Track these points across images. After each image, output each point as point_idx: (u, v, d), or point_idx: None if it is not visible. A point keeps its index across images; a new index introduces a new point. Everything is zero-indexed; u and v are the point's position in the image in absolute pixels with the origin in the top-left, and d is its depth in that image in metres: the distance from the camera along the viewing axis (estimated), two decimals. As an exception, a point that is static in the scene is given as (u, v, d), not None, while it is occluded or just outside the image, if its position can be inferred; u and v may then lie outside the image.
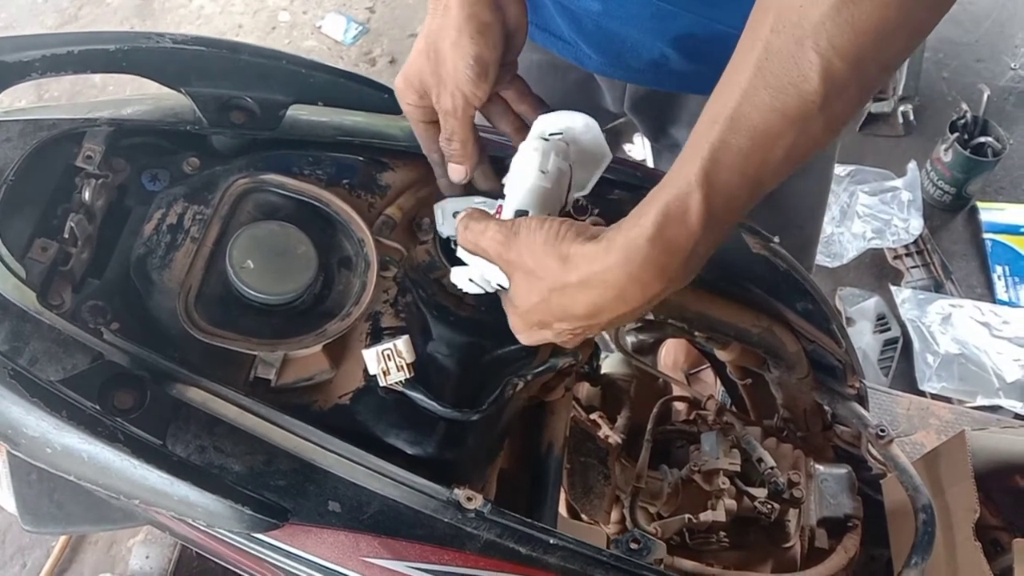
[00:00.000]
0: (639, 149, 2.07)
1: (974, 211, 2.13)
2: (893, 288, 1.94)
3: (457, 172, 0.76)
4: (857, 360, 1.19)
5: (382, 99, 0.86)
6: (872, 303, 1.91)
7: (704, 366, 1.59)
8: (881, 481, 1.28)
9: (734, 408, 1.34)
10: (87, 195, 0.75)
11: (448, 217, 0.79)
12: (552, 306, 0.61)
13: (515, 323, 0.67)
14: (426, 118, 0.76)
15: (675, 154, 1.16)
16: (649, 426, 1.12)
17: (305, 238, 0.76)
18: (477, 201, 0.77)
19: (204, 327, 0.71)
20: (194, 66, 0.81)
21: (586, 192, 0.77)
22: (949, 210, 2.13)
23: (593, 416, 1.12)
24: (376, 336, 0.76)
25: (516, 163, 0.69)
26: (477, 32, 0.69)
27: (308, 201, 0.79)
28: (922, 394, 1.79)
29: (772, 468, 1.10)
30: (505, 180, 0.70)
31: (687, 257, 0.54)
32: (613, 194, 0.89)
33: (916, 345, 1.79)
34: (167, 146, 0.82)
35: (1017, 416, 1.70)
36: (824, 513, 1.16)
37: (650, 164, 1.56)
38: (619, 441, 1.10)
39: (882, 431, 1.16)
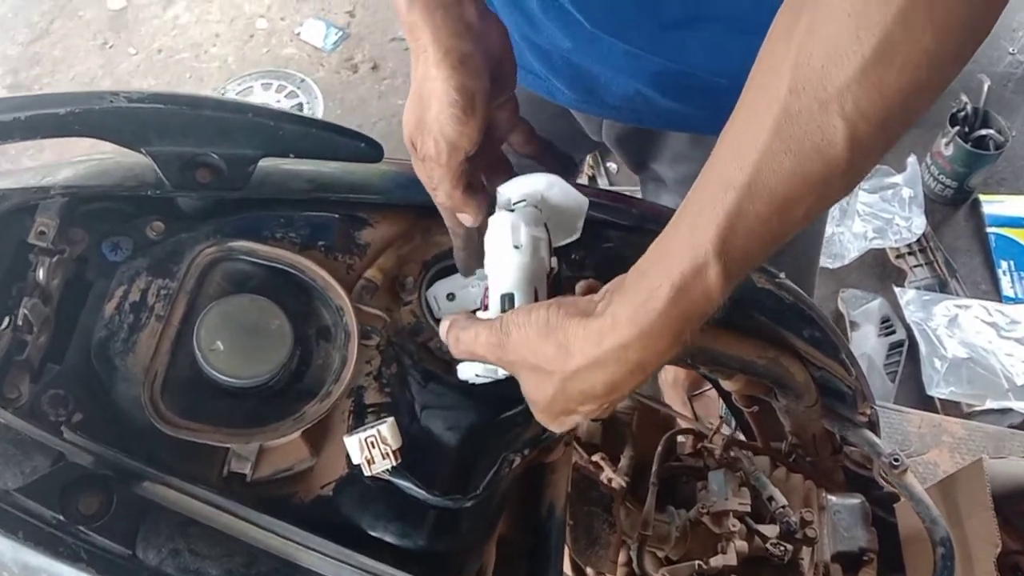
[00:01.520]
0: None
1: (976, 204, 2.08)
2: (897, 289, 1.89)
3: (464, 217, 0.69)
4: (867, 386, 1.14)
5: (358, 148, 0.81)
6: (876, 305, 1.86)
7: (706, 388, 1.54)
8: (895, 504, 1.24)
9: (740, 435, 1.30)
10: (42, 275, 0.69)
11: (443, 300, 0.74)
12: (570, 394, 0.57)
13: (540, 418, 0.63)
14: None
15: (660, 188, 1.11)
16: (654, 467, 1.07)
17: (278, 311, 0.71)
18: (465, 283, 0.71)
19: (172, 419, 0.65)
20: (153, 124, 0.75)
21: (576, 237, 0.73)
22: (951, 204, 2.08)
23: (595, 458, 1.07)
24: (359, 415, 0.70)
25: (489, 242, 0.64)
26: (458, 62, 0.63)
27: (281, 268, 0.74)
28: (930, 399, 1.74)
29: (784, 507, 1.06)
30: (485, 260, 0.65)
31: (703, 319, 0.52)
32: (608, 239, 0.84)
33: (923, 349, 1.74)
34: (129, 211, 0.77)
35: (1028, 419, 1.66)
36: (838, 547, 1.11)
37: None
38: (623, 484, 1.05)
39: (896, 460, 1.12)
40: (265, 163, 0.79)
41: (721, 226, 0.48)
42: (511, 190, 0.66)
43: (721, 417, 1.15)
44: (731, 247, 0.48)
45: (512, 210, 0.65)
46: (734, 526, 1.04)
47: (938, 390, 1.71)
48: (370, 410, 0.71)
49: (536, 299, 0.64)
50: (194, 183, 0.76)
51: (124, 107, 0.74)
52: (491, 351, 0.59)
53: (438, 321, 0.78)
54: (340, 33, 2.64)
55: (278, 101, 2.16)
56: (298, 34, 2.63)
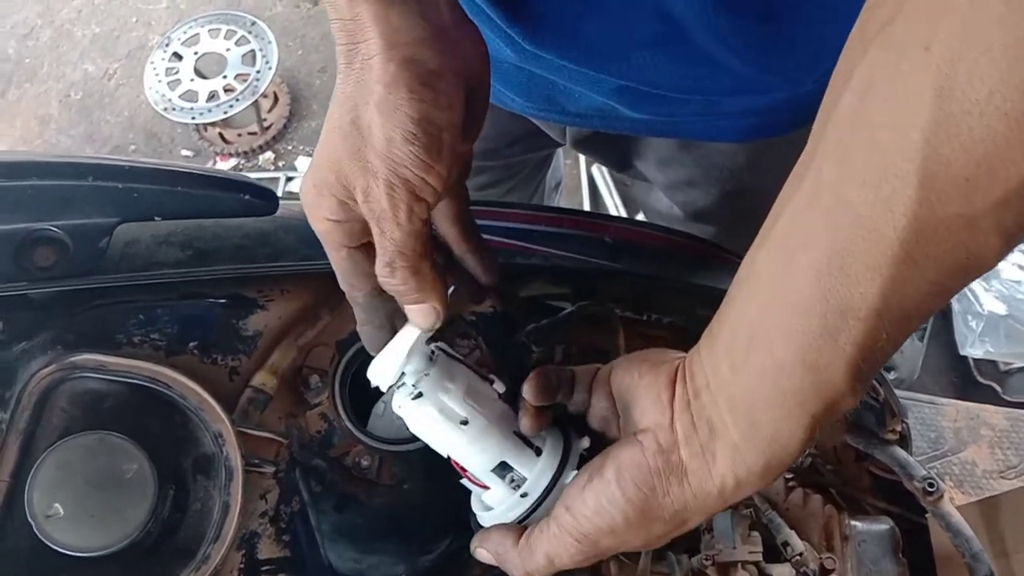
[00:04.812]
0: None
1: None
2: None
3: (424, 315, 0.48)
4: (897, 400, 0.98)
5: (241, 202, 0.63)
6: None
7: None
8: (926, 516, 1.09)
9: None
10: None
11: (390, 414, 0.56)
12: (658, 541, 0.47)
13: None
14: (352, 240, 0.48)
15: (650, 188, 0.91)
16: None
17: (136, 451, 0.54)
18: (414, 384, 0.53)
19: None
20: (-35, 200, 0.58)
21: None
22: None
23: (579, 506, 0.92)
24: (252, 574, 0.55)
25: (421, 434, 0.50)
26: (419, 83, 0.44)
27: (141, 384, 0.57)
28: (962, 359, 1.58)
29: (801, 555, 0.91)
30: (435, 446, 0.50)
31: None
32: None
33: (954, 306, 1.56)
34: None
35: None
36: (865, 584, 0.98)
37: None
38: (612, 538, 0.90)
39: (931, 486, 0.97)
40: (126, 231, 0.62)
41: (852, 361, 0.39)
42: (380, 378, 0.49)
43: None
44: (866, 373, 0.40)
45: (414, 389, 0.48)
46: (744, 580, 0.90)
47: (972, 349, 1.54)
48: (264, 569, 0.55)
49: (524, 440, 0.50)
50: (32, 268, 0.59)
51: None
52: (583, 562, 0.46)
53: (361, 424, 0.62)
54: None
55: (228, 49, 1.93)
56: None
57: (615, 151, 0.83)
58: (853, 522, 1.02)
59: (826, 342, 0.38)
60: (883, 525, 1.03)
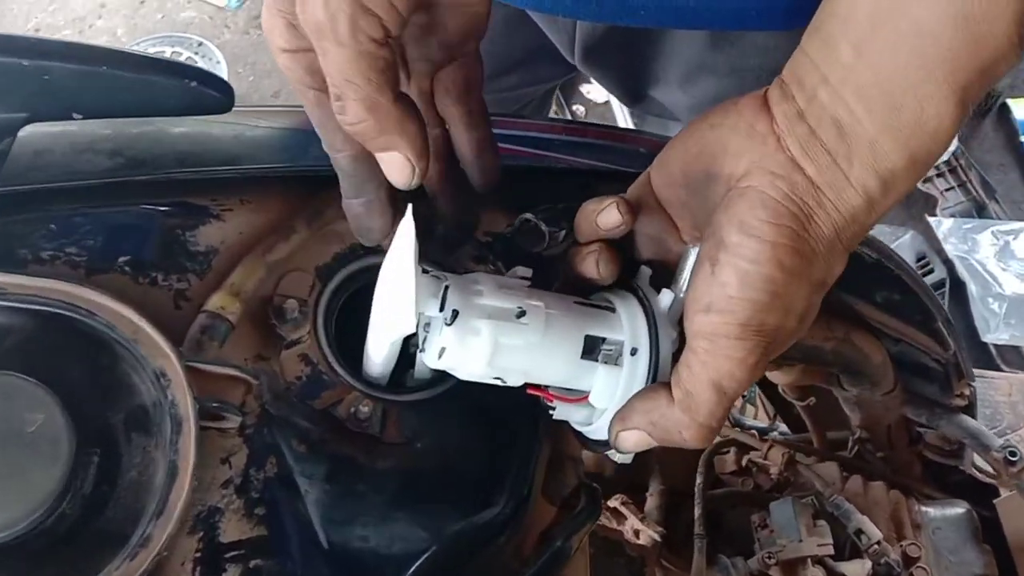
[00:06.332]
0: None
1: (1005, 110, 1.79)
2: (930, 219, 1.60)
3: (393, 167, 0.38)
4: (966, 360, 0.85)
5: (186, 92, 0.48)
6: (908, 240, 1.56)
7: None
8: (996, 501, 0.96)
9: (787, 435, 1.00)
10: None
11: (433, 332, 0.41)
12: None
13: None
14: (316, 78, 0.38)
15: (664, 126, 0.79)
16: (698, 508, 0.77)
17: (48, 396, 0.39)
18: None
19: None
20: None
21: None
22: (976, 114, 1.79)
23: (614, 503, 0.77)
24: (212, 567, 0.39)
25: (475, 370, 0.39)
26: None
27: (54, 312, 0.42)
28: (983, 347, 1.47)
29: (879, 544, 0.76)
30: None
31: None
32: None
33: (972, 288, 1.46)
34: None
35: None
36: (946, 579, 0.83)
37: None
38: (656, 539, 0.75)
39: (1013, 454, 0.84)
40: (40, 130, 0.48)
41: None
42: (405, 308, 0.37)
43: (775, 442, 0.85)
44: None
45: (446, 313, 0.38)
46: (816, 578, 0.74)
47: (996, 335, 1.43)
48: (230, 555, 0.39)
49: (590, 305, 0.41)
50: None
51: None
52: (757, 370, 0.37)
53: (350, 364, 0.47)
54: (247, -13, 2.26)
55: (174, 72, 1.81)
56: (197, -7, 2.25)
57: (630, 67, 0.71)
58: (924, 508, 0.88)
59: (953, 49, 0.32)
60: (959, 509, 0.89)
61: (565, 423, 0.45)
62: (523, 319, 0.37)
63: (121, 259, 0.44)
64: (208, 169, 0.48)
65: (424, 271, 0.39)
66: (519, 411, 0.49)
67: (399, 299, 0.37)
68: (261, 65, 2.10)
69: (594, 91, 1.72)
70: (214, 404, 0.41)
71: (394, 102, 0.37)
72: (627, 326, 0.40)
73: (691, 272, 0.38)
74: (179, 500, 0.38)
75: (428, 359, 0.39)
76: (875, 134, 0.34)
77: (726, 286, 0.35)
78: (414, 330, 0.38)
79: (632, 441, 0.38)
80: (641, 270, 0.42)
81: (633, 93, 0.75)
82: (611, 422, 0.39)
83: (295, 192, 0.49)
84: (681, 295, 0.40)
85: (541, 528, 0.49)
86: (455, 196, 0.46)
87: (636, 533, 0.75)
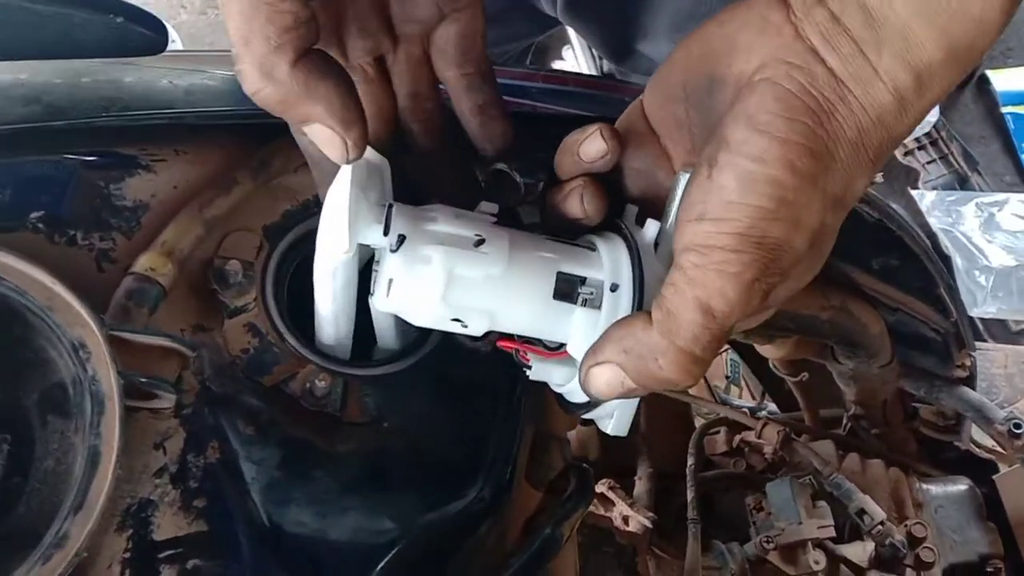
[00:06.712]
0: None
1: (984, 81, 1.76)
2: (912, 192, 1.56)
3: (322, 141, 0.33)
4: (967, 328, 0.81)
5: (112, 29, 0.42)
6: (890, 215, 1.53)
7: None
8: (996, 477, 0.92)
9: (776, 415, 0.96)
10: None
11: (382, 267, 0.35)
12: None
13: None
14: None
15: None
16: (690, 492, 0.72)
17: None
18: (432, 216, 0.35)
19: None
20: None
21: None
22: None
23: (601, 488, 0.72)
24: (144, 568, 0.33)
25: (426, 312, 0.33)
26: None
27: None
28: (971, 321, 1.43)
29: (883, 524, 0.72)
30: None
31: None
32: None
33: (958, 261, 1.43)
34: None
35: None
36: (951, 559, 0.79)
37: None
38: (647, 525, 0.70)
39: (1017, 426, 0.80)
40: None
41: None
42: (338, 223, 0.33)
43: (769, 420, 0.81)
44: None
45: (390, 238, 0.33)
46: (817, 562, 0.70)
47: (984, 308, 1.40)
48: (165, 554, 0.34)
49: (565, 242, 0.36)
50: None
51: None
52: (755, 288, 0.30)
53: (305, 336, 0.41)
54: (205, -34, 2.17)
55: (129, 53, 1.72)
56: (153, -26, 2.16)
57: (616, 17, 0.65)
58: (925, 485, 0.84)
59: None
60: (961, 486, 0.85)
61: (549, 398, 0.40)
62: (483, 248, 0.32)
63: (33, 215, 0.38)
64: (137, 114, 0.42)
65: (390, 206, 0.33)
66: (498, 386, 0.44)
67: (334, 219, 0.32)
68: (219, 46, 2.02)
69: (569, 62, 1.67)
70: (143, 380, 0.35)
71: (293, 64, 0.31)
72: (607, 263, 0.34)
73: (684, 189, 0.33)
74: (102, 492, 0.32)
75: (377, 300, 0.33)
76: (908, 18, 0.29)
77: (724, 189, 0.29)
78: (348, 249, 0.32)
79: (604, 379, 0.32)
80: (627, 208, 0.37)
81: (619, 48, 0.70)
82: (582, 359, 0.33)
83: (238, 141, 0.43)
84: (669, 226, 0.35)
85: (526, 516, 0.44)
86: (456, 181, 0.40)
87: (625, 519, 0.70)
